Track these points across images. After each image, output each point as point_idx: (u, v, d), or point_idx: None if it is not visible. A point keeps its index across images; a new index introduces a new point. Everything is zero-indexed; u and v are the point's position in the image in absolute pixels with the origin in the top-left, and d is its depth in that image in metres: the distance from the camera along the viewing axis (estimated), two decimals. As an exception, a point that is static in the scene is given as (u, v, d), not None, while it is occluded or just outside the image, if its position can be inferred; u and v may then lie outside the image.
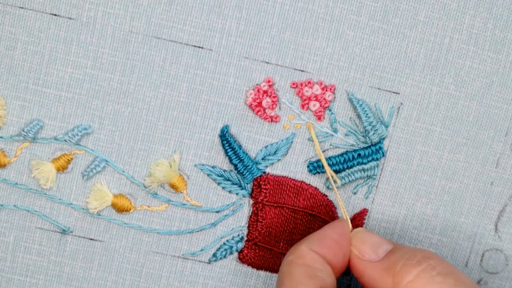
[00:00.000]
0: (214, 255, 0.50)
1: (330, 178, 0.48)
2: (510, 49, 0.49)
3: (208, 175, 0.49)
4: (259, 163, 0.49)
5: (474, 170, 0.50)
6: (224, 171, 0.49)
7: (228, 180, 0.49)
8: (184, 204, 0.49)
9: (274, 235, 0.50)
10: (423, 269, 0.43)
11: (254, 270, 0.51)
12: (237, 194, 0.50)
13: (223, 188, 0.49)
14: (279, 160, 0.49)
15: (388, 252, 0.45)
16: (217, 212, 0.50)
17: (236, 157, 0.49)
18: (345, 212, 0.48)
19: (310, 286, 0.43)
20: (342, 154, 0.49)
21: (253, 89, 0.48)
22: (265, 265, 0.51)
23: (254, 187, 0.49)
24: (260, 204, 0.49)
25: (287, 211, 0.50)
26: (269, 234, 0.50)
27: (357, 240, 0.46)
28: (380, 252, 0.45)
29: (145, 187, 0.49)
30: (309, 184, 0.50)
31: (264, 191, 0.49)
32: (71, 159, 0.49)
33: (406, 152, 0.50)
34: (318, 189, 0.50)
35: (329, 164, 0.49)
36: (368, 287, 0.45)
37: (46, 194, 0.49)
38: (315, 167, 0.49)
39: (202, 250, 0.50)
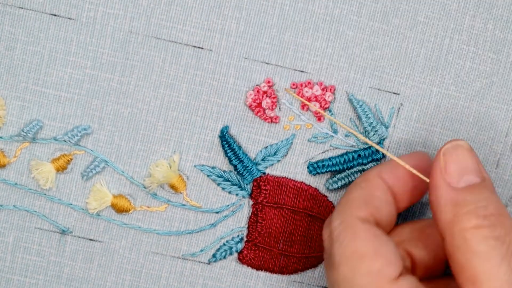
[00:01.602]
0: (214, 255, 0.50)
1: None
2: (510, 49, 0.48)
3: (207, 175, 0.49)
4: (259, 164, 0.49)
5: (474, 171, 0.50)
6: (224, 171, 0.49)
7: (228, 180, 0.49)
8: (184, 205, 0.49)
9: (274, 236, 0.50)
10: (485, 224, 0.40)
11: (254, 271, 0.51)
12: (236, 194, 0.49)
13: (223, 188, 0.49)
14: (279, 161, 0.49)
15: (471, 185, 0.42)
16: (217, 212, 0.50)
17: (235, 158, 0.49)
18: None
19: (361, 210, 0.43)
20: (342, 155, 0.49)
21: (253, 90, 0.48)
22: (265, 265, 0.51)
23: (254, 188, 0.49)
24: (260, 205, 0.49)
25: (287, 212, 0.50)
26: (269, 235, 0.50)
27: (450, 152, 0.42)
28: (464, 180, 0.42)
29: (144, 187, 0.49)
30: (309, 185, 0.50)
31: (264, 192, 0.49)
32: (71, 159, 0.49)
33: (406, 153, 0.49)
34: (318, 190, 0.50)
35: (329, 165, 0.49)
36: (430, 204, 0.42)
37: (45, 194, 0.49)
38: (315, 168, 0.49)
39: (201, 250, 0.50)
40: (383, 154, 0.49)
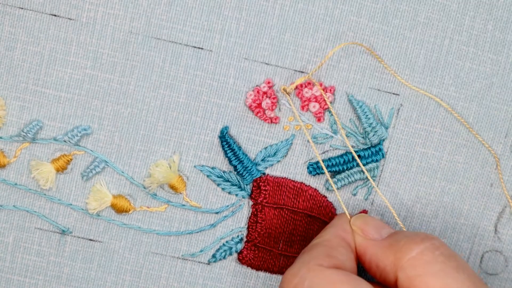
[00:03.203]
0: (214, 256, 0.50)
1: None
2: (510, 50, 0.48)
3: (207, 176, 0.49)
4: (259, 164, 0.49)
5: (474, 171, 0.50)
6: (224, 172, 0.49)
7: (228, 181, 0.49)
8: (184, 205, 0.49)
9: (273, 236, 0.50)
10: (426, 247, 0.42)
11: (254, 271, 0.51)
12: (236, 195, 0.49)
13: (223, 189, 0.49)
14: (278, 161, 0.49)
15: (391, 233, 0.45)
16: (217, 213, 0.50)
17: (235, 158, 0.49)
18: (342, 202, 0.48)
19: (325, 261, 0.43)
20: (342, 155, 0.49)
21: (252, 90, 0.48)
22: (265, 266, 0.51)
23: (253, 188, 0.49)
24: (260, 205, 0.49)
25: (286, 212, 0.50)
26: (269, 235, 0.50)
27: (360, 222, 0.46)
28: (383, 233, 0.45)
29: (144, 188, 0.49)
30: (309, 185, 0.50)
31: (264, 192, 0.49)
32: (71, 159, 0.49)
33: (406, 153, 0.50)
34: (318, 191, 0.50)
35: (329, 165, 0.49)
36: (370, 266, 0.45)
37: (45, 194, 0.49)
38: (315, 169, 0.49)
39: (201, 251, 0.50)
40: (383, 155, 0.49)
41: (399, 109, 0.49)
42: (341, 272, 0.42)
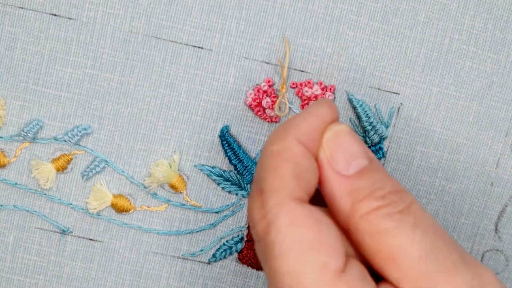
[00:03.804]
0: (214, 255, 0.50)
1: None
2: (510, 49, 0.48)
3: (207, 175, 0.49)
4: (259, 164, 0.49)
5: (474, 170, 0.50)
6: (224, 171, 0.49)
7: (228, 180, 0.49)
8: (184, 205, 0.49)
9: (274, 235, 0.50)
10: (386, 204, 0.37)
11: (254, 271, 0.51)
12: (236, 194, 0.49)
13: (223, 188, 0.49)
14: (279, 160, 0.49)
15: (361, 169, 0.39)
16: (217, 212, 0.50)
17: (235, 158, 0.49)
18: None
19: (296, 189, 0.37)
20: (342, 155, 0.49)
21: (253, 89, 0.48)
22: (265, 265, 0.51)
23: (254, 188, 0.49)
24: (260, 205, 0.49)
25: (287, 211, 0.50)
26: (269, 234, 0.50)
27: (333, 140, 0.39)
28: (353, 166, 0.39)
29: (144, 187, 0.49)
30: (309, 184, 0.50)
31: (264, 191, 0.49)
32: (71, 159, 0.49)
33: (406, 152, 0.50)
34: (318, 190, 0.50)
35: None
36: (322, 192, 0.40)
37: (45, 194, 0.49)
38: (315, 168, 0.49)
39: (201, 250, 0.50)
40: (383, 154, 0.49)
41: (399, 108, 0.49)
42: (313, 219, 0.37)
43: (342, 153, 0.39)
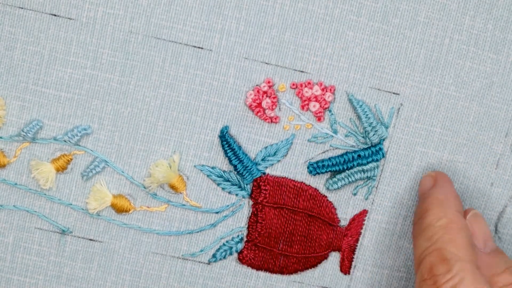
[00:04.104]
0: (214, 255, 0.50)
1: None
2: (510, 49, 0.48)
3: (207, 175, 0.49)
4: (259, 164, 0.49)
5: (474, 171, 0.50)
6: (224, 171, 0.49)
7: (228, 181, 0.49)
8: (184, 205, 0.49)
9: (273, 236, 0.50)
10: None
11: (254, 271, 0.51)
12: (236, 195, 0.49)
13: (223, 188, 0.49)
14: (278, 161, 0.49)
15: (494, 250, 0.47)
16: (217, 213, 0.50)
17: (235, 158, 0.49)
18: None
19: (473, 257, 0.43)
20: (342, 155, 0.49)
21: (253, 90, 0.48)
22: (265, 266, 0.51)
23: (253, 188, 0.49)
24: (260, 205, 0.49)
25: (287, 212, 0.50)
26: (269, 235, 0.50)
27: (474, 220, 0.47)
28: (487, 247, 0.47)
29: (144, 187, 0.49)
30: (309, 185, 0.50)
31: (264, 192, 0.49)
32: (71, 159, 0.49)
33: (406, 153, 0.50)
34: (318, 190, 0.50)
35: (329, 165, 0.49)
36: None
37: (45, 194, 0.49)
38: (315, 168, 0.49)
39: (201, 250, 0.50)
40: (383, 154, 0.49)
41: (399, 109, 0.49)
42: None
43: (481, 233, 0.47)
